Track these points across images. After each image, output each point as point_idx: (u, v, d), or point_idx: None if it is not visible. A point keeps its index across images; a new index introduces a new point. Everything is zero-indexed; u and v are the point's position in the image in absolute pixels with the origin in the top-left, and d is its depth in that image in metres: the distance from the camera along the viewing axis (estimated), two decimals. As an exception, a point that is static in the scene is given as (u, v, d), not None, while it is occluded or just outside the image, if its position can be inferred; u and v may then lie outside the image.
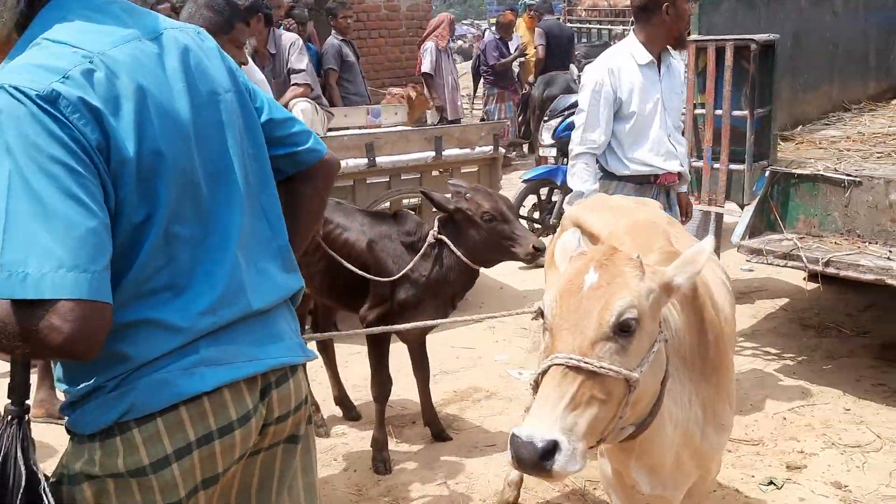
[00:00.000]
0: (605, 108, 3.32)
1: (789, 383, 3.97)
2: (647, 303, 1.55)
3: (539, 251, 3.02)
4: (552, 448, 1.39)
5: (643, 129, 3.38)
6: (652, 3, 3.29)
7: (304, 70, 5.21)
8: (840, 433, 3.46)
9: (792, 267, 3.87)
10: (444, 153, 4.84)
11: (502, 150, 5.25)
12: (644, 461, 1.86)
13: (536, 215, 6.31)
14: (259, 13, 4.64)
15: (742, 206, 4.05)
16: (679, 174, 3.56)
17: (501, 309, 5.18)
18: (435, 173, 5.00)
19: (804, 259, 3.70)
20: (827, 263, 3.62)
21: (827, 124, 5.06)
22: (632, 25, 3.54)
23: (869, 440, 3.39)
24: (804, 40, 4.96)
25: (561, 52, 9.43)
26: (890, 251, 3.62)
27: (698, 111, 4.02)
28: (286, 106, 4.85)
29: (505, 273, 5.97)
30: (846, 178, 3.79)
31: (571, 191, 3.44)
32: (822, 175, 3.87)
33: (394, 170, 4.77)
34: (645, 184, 3.44)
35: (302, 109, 4.84)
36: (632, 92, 3.33)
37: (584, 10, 15.52)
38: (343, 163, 4.48)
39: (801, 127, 4.91)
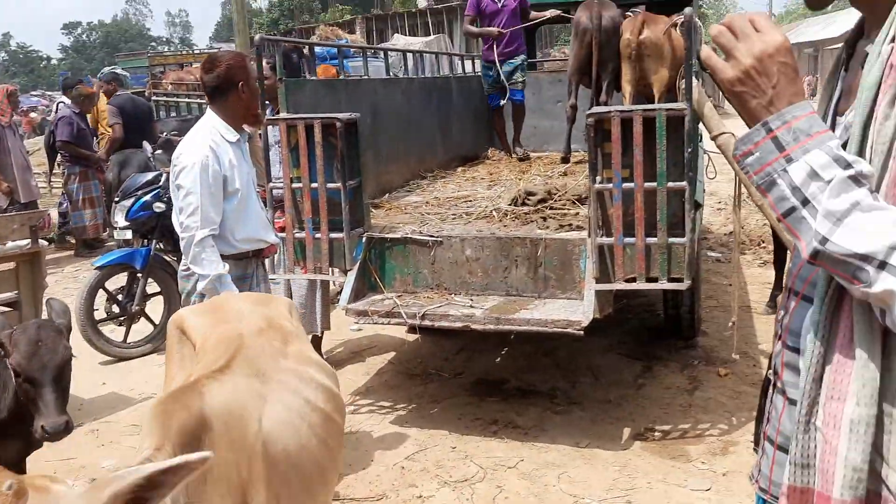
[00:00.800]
0: (215, 188, 3.22)
1: (404, 432, 4.25)
2: None
3: (50, 435, 2.54)
4: None
5: (246, 204, 3.39)
6: (226, 82, 3.30)
7: None
8: (450, 471, 3.79)
9: (395, 323, 4.18)
10: None
11: (44, 243, 4.56)
12: None
13: (116, 307, 5.72)
14: None
15: (345, 272, 4.28)
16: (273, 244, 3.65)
17: (105, 410, 4.72)
18: None
19: (404, 315, 4.03)
20: (423, 317, 4.00)
21: (409, 191, 5.64)
22: (206, 104, 3.51)
23: (474, 472, 3.77)
24: (382, 117, 5.51)
25: (138, 129, 8.90)
26: (471, 300, 4.13)
27: (296, 185, 4.17)
28: None
29: (106, 369, 5.45)
30: (430, 238, 4.25)
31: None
32: (410, 238, 4.28)
33: None
34: (244, 259, 3.41)
35: None
36: (233, 169, 3.31)
37: (171, 83, 15.21)
38: None
39: (388, 195, 5.40)
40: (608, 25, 5.78)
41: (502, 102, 7.00)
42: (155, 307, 5.84)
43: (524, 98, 7.07)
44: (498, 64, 6.80)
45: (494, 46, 6.79)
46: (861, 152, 1.10)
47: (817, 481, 1.13)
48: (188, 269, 3.32)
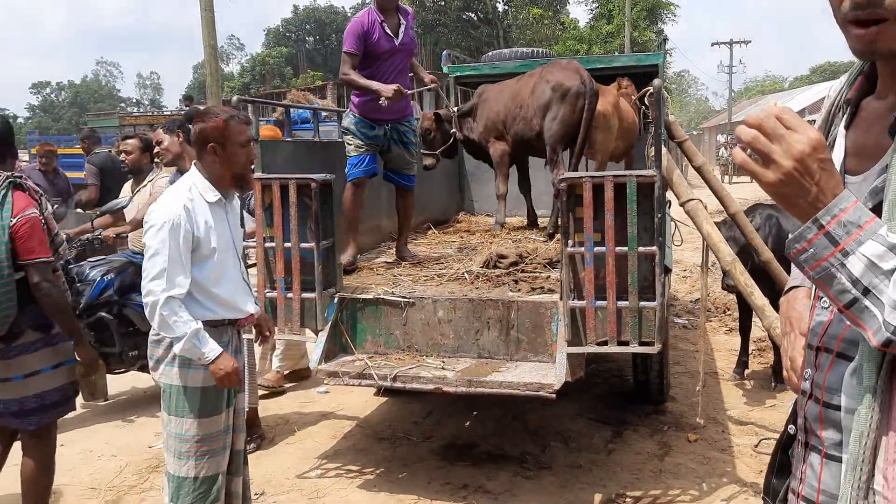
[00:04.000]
0: (185, 249, 3.00)
1: (372, 497, 4.16)
2: None
3: None
4: None
5: (223, 268, 3.14)
6: (199, 142, 3.11)
7: None
8: (420, 537, 3.71)
9: (366, 385, 4.13)
10: None
11: None
12: None
13: None
14: None
15: (316, 332, 4.24)
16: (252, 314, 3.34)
17: (63, 472, 4.54)
18: None
19: (375, 376, 3.99)
20: (394, 378, 3.96)
21: (381, 252, 5.65)
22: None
23: (445, 538, 3.69)
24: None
25: (116, 189, 8.85)
26: (443, 362, 4.11)
27: (268, 244, 4.17)
28: None
29: (65, 431, 5.27)
30: (402, 300, 4.25)
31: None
32: (382, 298, 4.28)
33: None
34: (219, 326, 3.13)
35: None
36: (209, 229, 3.08)
37: (141, 142, 15.17)
38: None
39: (359, 255, 5.39)
40: (596, 89, 5.66)
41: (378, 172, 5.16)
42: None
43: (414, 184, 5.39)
44: (389, 125, 5.07)
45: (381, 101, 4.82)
46: None
47: None
48: (159, 333, 3.05)
